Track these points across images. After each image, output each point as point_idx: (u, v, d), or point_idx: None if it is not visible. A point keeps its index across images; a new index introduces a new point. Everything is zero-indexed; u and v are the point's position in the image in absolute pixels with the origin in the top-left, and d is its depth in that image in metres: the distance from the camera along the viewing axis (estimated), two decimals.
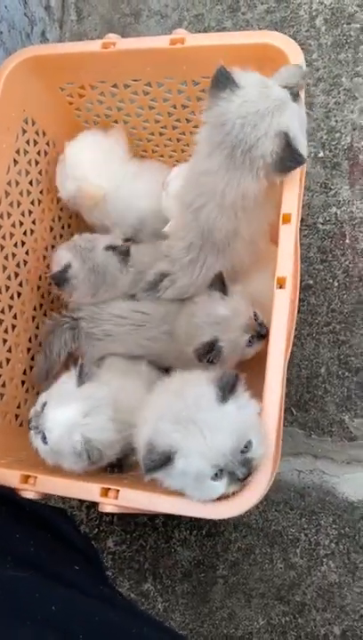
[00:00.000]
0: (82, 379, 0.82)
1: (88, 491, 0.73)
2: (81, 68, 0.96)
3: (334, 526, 1.05)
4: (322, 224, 1.21)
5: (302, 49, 1.31)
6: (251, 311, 0.90)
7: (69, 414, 0.79)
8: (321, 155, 1.24)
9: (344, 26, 1.30)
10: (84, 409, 0.79)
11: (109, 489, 0.72)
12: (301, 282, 1.18)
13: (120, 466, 0.85)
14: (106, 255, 1.00)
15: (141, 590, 1.10)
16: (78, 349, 1.00)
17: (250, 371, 0.91)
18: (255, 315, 0.91)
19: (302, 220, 1.22)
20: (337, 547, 1.04)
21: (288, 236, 0.76)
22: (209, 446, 0.67)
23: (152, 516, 1.13)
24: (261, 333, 0.90)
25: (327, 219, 1.20)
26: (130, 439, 0.79)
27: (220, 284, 0.90)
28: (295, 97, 0.80)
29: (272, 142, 0.77)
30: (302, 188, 0.96)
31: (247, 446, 0.68)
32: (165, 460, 0.67)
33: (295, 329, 1.16)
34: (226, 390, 0.69)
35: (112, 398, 0.82)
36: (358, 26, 1.29)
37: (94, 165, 1.03)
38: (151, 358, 0.98)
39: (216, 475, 0.67)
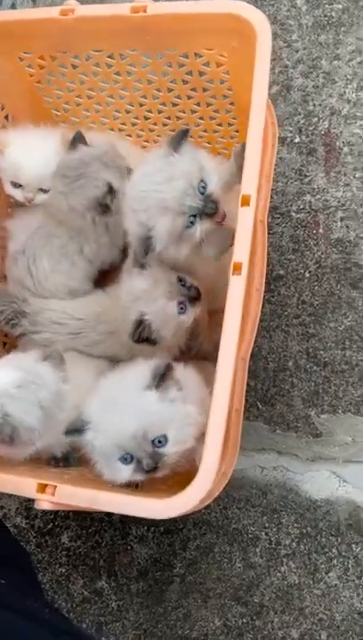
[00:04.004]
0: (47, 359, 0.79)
1: (24, 486, 0.68)
2: (39, 36, 0.91)
3: (295, 525, 1.02)
4: (296, 212, 1.16)
5: (282, 29, 1.28)
6: (173, 276, 0.84)
7: (3, 379, 0.74)
8: (297, 140, 1.20)
9: (326, 6, 1.25)
10: (19, 380, 0.74)
11: (47, 485, 0.68)
12: (272, 272, 1.14)
13: (66, 459, 0.80)
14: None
15: (95, 588, 1.05)
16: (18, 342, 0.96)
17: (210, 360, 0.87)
18: (181, 279, 0.85)
19: (275, 207, 1.18)
20: (298, 547, 1.01)
21: (246, 220, 0.71)
22: (116, 427, 0.69)
23: (109, 512, 1.09)
24: (191, 296, 0.84)
25: (301, 207, 1.16)
26: None
27: (137, 262, 0.83)
28: None
29: None
30: (271, 170, 0.92)
31: (161, 440, 0.68)
32: (76, 429, 0.72)
33: (264, 320, 1.12)
34: (154, 379, 0.69)
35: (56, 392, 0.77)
36: (340, 7, 1.24)
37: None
38: (103, 357, 0.94)
39: (126, 459, 0.69)
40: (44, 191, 0.97)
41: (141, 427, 0.68)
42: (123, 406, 0.69)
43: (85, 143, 0.94)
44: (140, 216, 0.78)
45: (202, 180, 0.77)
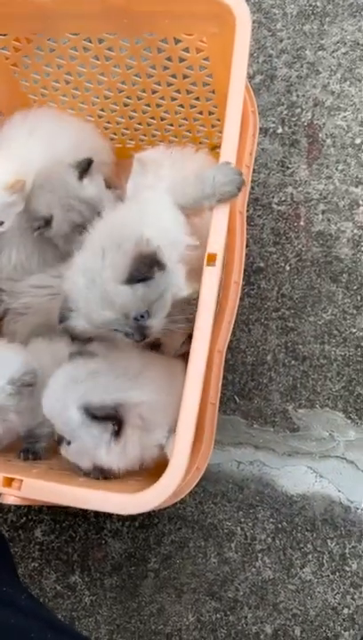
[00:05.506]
0: None
1: None
2: (13, 17, 0.87)
3: (271, 520, 1.01)
4: (277, 204, 1.14)
5: (266, 17, 1.26)
6: None
7: None
8: (280, 131, 1.18)
9: None
10: None
11: (13, 479, 0.66)
12: (252, 264, 1.13)
13: (35, 452, 0.78)
14: None
15: (68, 583, 1.04)
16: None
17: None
18: None
19: (256, 199, 1.16)
20: (273, 542, 1.00)
21: (222, 210, 0.69)
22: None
23: None
24: None
25: (283, 199, 1.14)
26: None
27: None
28: None
29: None
30: (252, 160, 0.91)
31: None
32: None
33: (243, 313, 1.11)
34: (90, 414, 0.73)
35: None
36: None
37: None
38: None
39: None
40: None
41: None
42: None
43: None
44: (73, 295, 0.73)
45: (148, 312, 0.70)
